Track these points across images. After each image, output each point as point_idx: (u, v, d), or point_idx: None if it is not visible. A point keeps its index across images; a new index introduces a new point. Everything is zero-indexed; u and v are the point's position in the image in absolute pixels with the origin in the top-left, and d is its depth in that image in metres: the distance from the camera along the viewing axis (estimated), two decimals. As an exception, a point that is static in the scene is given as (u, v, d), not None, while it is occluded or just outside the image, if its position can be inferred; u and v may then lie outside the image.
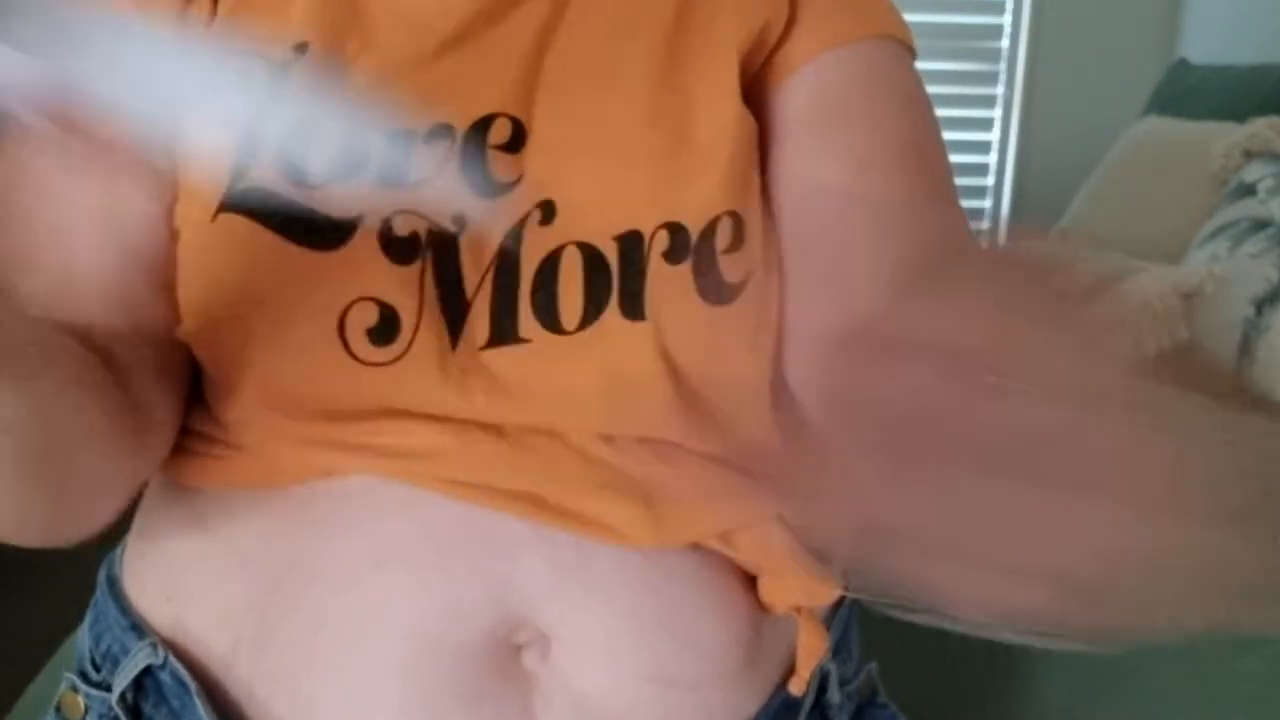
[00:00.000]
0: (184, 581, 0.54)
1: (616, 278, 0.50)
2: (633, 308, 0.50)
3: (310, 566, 0.50)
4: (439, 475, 0.50)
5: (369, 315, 0.48)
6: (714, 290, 0.50)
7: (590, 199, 0.51)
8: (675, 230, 0.50)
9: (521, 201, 0.51)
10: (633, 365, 0.50)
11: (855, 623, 0.64)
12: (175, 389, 0.55)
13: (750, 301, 0.51)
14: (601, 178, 0.51)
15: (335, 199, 0.49)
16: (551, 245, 0.50)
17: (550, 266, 0.50)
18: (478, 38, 0.54)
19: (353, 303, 0.48)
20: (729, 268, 0.51)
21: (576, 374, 0.50)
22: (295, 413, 0.50)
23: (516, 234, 0.50)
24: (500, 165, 0.51)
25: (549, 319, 0.50)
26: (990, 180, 2.73)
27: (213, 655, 0.52)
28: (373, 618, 0.49)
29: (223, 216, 0.49)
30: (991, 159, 2.72)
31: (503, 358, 0.50)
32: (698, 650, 0.52)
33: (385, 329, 0.48)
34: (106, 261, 0.52)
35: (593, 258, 0.50)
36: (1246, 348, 1.47)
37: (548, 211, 0.50)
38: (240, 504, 0.52)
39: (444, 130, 0.51)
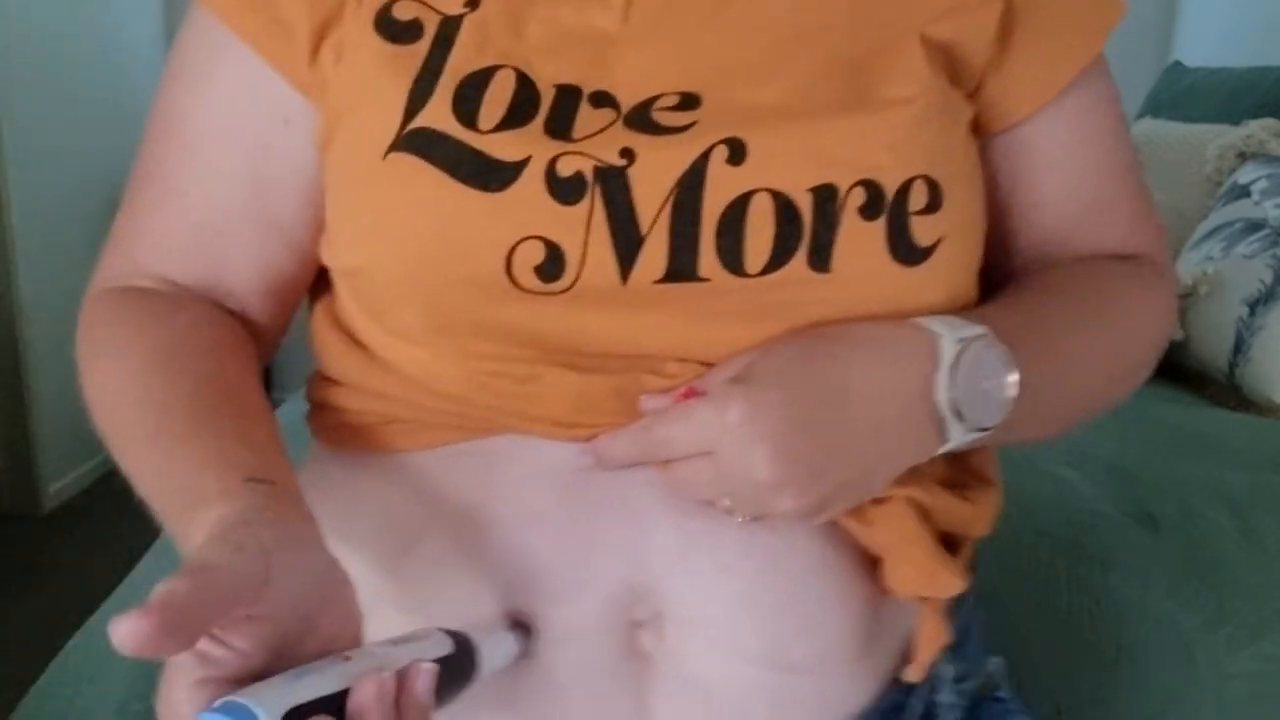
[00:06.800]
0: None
1: (809, 228, 0.49)
2: (820, 260, 0.49)
3: (450, 526, 0.52)
4: (579, 435, 0.51)
5: (535, 253, 0.49)
6: (905, 250, 0.50)
7: (782, 148, 0.50)
8: (870, 187, 0.50)
9: (700, 138, 0.50)
10: (811, 314, 0.50)
11: (977, 618, 0.62)
12: (283, 312, 0.61)
13: (939, 267, 0.51)
14: (793, 129, 0.51)
15: (502, 143, 0.49)
16: (741, 188, 0.49)
17: (738, 209, 0.49)
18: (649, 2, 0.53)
19: (519, 241, 0.49)
20: (921, 230, 0.50)
21: (751, 316, 0.50)
22: (463, 347, 0.52)
23: (699, 169, 0.49)
24: (668, 118, 0.51)
25: (732, 260, 0.49)
26: (986, 182, 2.73)
27: None
28: (500, 580, 0.51)
29: (393, 155, 0.50)
30: (988, 161, 2.72)
31: (676, 292, 0.50)
32: (816, 634, 0.52)
33: (552, 265, 0.49)
34: (251, 229, 0.57)
35: (785, 206, 0.49)
36: (1240, 348, 1.47)
37: (735, 151, 0.50)
38: (387, 466, 0.55)
39: (606, 99, 0.51)
